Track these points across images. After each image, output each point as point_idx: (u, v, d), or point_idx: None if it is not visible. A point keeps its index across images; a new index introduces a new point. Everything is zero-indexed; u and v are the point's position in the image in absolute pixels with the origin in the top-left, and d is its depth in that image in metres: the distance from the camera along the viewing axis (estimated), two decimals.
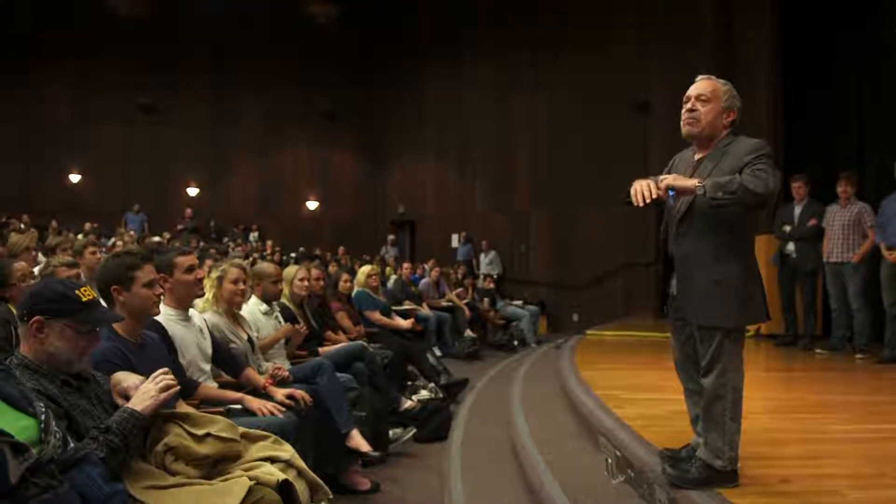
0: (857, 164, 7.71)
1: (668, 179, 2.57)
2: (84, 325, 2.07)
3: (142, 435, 2.08)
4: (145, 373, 2.55)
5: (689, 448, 2.89)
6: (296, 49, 16.17)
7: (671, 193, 2.58)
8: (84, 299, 2.08)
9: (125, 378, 2.23)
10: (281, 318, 4.50)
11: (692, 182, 2.51)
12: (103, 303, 2.57)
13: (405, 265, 10.60)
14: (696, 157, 2.79)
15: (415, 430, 4.63)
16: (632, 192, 2.60)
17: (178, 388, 2.25)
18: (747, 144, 2.61)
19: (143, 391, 2.11)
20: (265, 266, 4.61)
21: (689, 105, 2.73)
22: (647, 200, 2.54)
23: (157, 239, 11.66)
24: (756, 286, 2.65)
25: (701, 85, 2.74)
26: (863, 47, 7.94)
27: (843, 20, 8.21)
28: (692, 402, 2.89)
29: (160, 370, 2.20)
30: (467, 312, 9.72)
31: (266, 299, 4.41)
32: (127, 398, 2.14)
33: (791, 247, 6.94)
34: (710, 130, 2.70)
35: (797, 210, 6.93)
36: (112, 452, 1.92)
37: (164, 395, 2.11)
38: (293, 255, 12.45)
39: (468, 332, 9.16)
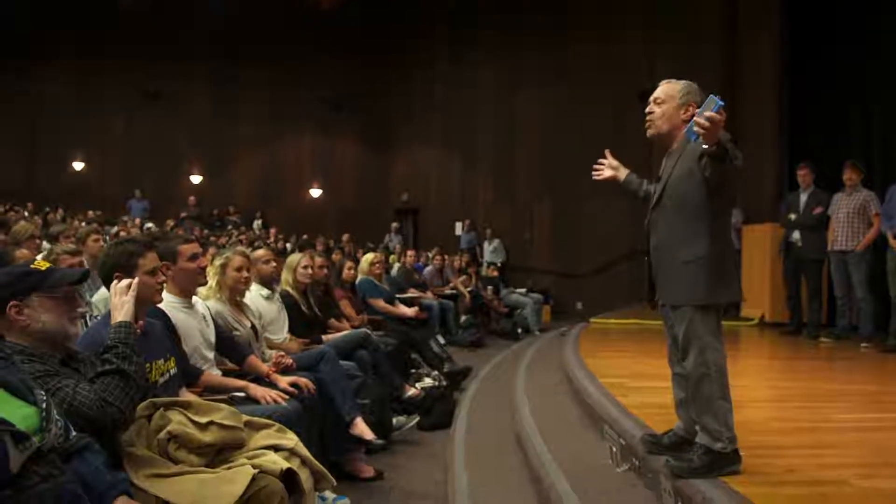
0: (864, 151, 7.66)
1: (706, 118, 2.40)
2: (57, 289, 2.07)
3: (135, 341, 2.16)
4: (148, 360, 2.55)
5: (671, 434, 2.92)
6: (301, 37, 16.07)
7: (693, 137, 2.51)
8: (42, 268, 2.09)
9: None
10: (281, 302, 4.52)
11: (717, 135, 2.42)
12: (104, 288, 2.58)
13: (409, 253, 10.59)
14: (669, 152, 2.90)
15: (418, 418, 4.63)
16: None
17: (139, 280, 2.34)
18: None
19: (114, 306, 2.20)
20: (256, 251, 4.65)
21: (647, 109, 2.88)
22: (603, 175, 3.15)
23: (149, 226, 11.63)
24: (726, 266, 2.71)
25: (658, 89, 2.88)
26: (869, 36, 7.86)
27: (850, 7, 8.13)
28: (677, 386, 2.92)
29: (113, 283, 2.29)
30: (467, 299, 9.70)
31: (264, 282, 4.40)
32: None
33: (796, 235, 6.90)
34: (668, 127, 2.83)
35: (803, 198, 6.89)
36: (124, 360, 2.03)
37: (130, 293, 2.21)
38: (288, 243, 12.41)
39: (465, 317, 9.15)
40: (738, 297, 2.79)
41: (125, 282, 2.24)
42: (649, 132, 2.88)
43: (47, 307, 2.03)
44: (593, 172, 3.23)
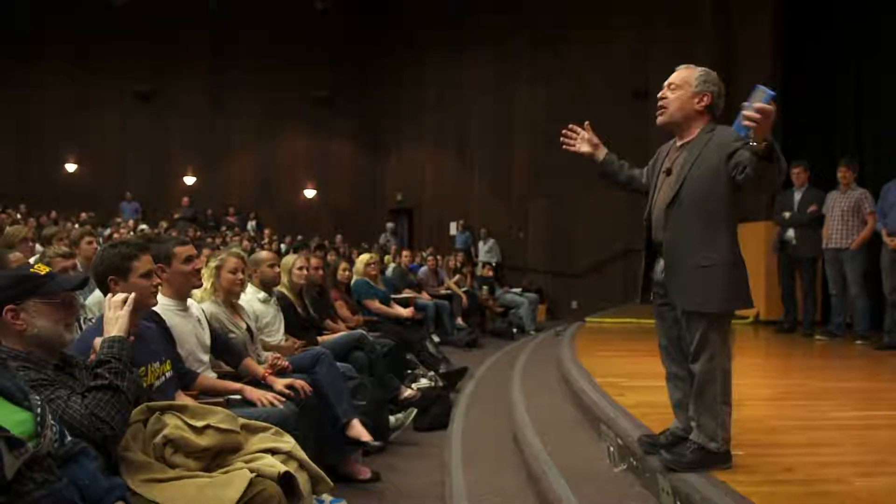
0: (859, 150, 7.68)
1: (769, 117, 2.28)
2: (54, 295, 2.04)
3: (131, 357, 2.11)
4: (143, 364, 2.53)
5: (668, 433, 2.91)
6: (294, 35, 16.06)
7: (743, 133, 2.41)
8: (42, 273, 2.05)
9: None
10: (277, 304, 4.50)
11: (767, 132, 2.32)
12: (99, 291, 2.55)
13: (404, 253, 10.58)
14: (679, 143, 2.81)
15: (415, 411, 4.60)
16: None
17: (135, 295, 2.26)
18: (733, 132, 2.59)
19: (107, 320, 2.14)
20: (261, 253, 4.63)
21: (660, 94, 2.77)
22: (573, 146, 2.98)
23: (143, 227, 11.58)
24: (741, 272, 2.66)
25: (674, 74, 2.77)
26: (863, 34, 7.89)
27: (843, 7, 8.15)
28: (674, 387, 2.91)
29: (106, 298, 2.23)
30: (464, 300, 9.70)
31: (265, 285, 4.38)
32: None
33: (791, 233, 6.92)
34: (681, 116, 2.72)
35: (797, 196, 6.91)
36: (117, 376, 1.97)
37: (126, 308, 2.16)
38: (283, 244, 12.38)
39: (459, 321, 9.14)
40: (751, 303, 2.70)
41: (121, 296, 2.20)
42: (660, 119, 2.77)
43: (44, 313, 2.00)
44: (562, 139, 3.08)
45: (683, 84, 2.71)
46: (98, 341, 2.20)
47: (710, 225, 2.62)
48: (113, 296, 2.21)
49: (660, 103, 2.76)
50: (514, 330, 10.03)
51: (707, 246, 2.61)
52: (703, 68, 2.75)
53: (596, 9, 13.06)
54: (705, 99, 2.70)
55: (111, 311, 2.17)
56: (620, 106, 12.15)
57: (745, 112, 2.29)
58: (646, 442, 2.92)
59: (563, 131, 3.06)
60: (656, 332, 2.94)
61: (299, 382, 3.34)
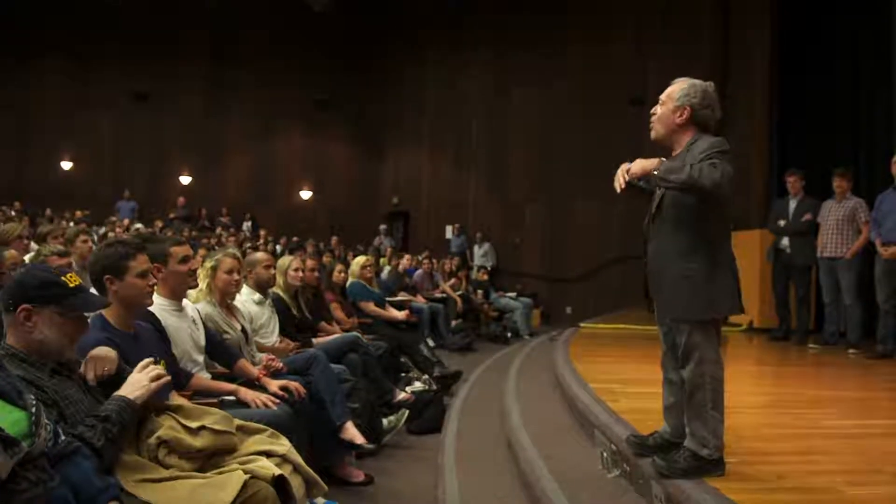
0: (853, 159, 7.71)
1: (633, 167, 2.64)
2: (73, 310, 2.03)
3: (134, 425, 2.06)
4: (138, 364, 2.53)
5: (656, 435, 2.93)
6: (292, 36, 16.05)
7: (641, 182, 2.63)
8: (71, 285, 2.04)
9: (104, 353, 2.20)
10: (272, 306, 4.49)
11: (651, 164, 2.57)
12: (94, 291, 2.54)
13: (406, 256, 10.58)
14: (673, 155, 2.84)
15: (407, 413, 4.60)
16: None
17: (169, 378, 2.23)
18: (706, 142, 2.65)
19: (133, 381, 2.09)
20: (256, 254, 4.62)
21: (652, 110, 2.83)
22: (621, 187, 2.68)
23: (138, 226, 11.56)
24: (727, 278, 2.67)
25: (667, 89, 2.80)
26: (860, 45, 7.92)
27: (842, 17, 8.18)
28: (669, 391, 2.93)
29: (147, 360, 2.19)
30: (459, 304, 9.70)
31: (260, 286, 4.38)
32: (98, 374, 2.11)
33: (785, 241, 6.94)
34: (665, 132, 2.78)
35: (792, 205, 6.93)
36: (109, 442, 1.92)
37: (155, 384, 2.10)
38: (278, 246, 12.37)
39: (455, 322, 9.14)
40: (739, 309, 2.73)
41: (159, 372, 2.14)
42: (651, 136, 2.83)
43: (55, 324, 1.99)
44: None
45: (667, 99, 2.76)
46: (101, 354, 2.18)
47: (688, 235, 2.65)
48: (154, 366, 2.16)
49: (651, 119, 2.82)
50: (509, 334, 10.05)
51: (689, 256, 2.64)
52: (692, 81, 2.76)
53: (596, 9, 13.06)
54: (684, 113, 2.72)
55: (141, 375, 2.11)
56: (617, 111, 12.18)
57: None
58: (633, 442, 2.95)
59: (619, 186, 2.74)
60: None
61: (293, 384, 3.34)
